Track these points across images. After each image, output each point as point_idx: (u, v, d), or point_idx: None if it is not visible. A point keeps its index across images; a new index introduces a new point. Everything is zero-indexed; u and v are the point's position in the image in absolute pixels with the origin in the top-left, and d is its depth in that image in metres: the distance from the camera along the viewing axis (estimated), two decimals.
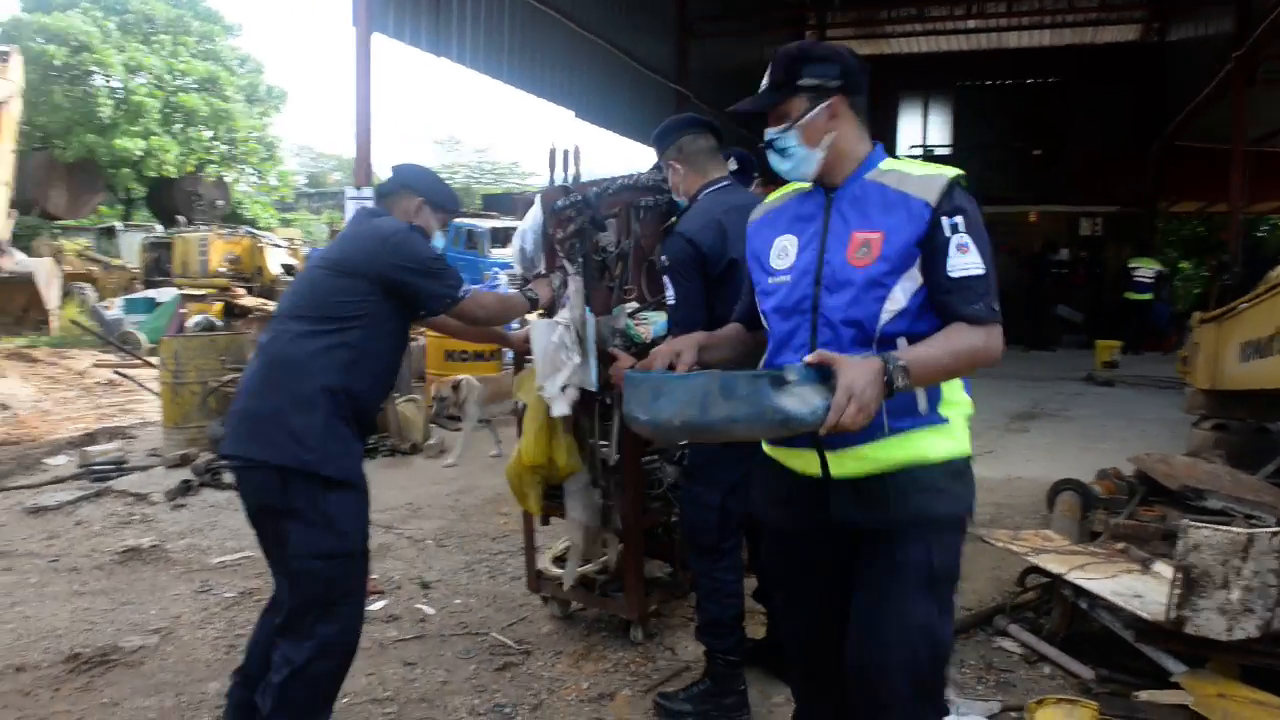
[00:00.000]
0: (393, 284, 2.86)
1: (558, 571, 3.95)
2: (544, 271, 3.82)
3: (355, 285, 2.84)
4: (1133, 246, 17.54)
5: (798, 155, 2.06)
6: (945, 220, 1.94)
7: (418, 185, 3.16)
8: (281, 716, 2.70)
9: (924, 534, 2.02)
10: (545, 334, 3.41)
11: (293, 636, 2.73)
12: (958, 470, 2.06)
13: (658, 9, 13.26)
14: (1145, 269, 16.23)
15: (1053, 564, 3.69)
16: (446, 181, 3.29)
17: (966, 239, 1.94)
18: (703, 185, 3.27)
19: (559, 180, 3.87)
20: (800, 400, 1.70)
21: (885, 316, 1.96)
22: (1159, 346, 16.22)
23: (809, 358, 1.77)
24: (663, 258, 3.20)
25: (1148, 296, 16.06)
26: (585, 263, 3.59)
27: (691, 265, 3.08)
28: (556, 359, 3.38)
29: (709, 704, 3.21)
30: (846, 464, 2.00)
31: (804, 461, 2.06)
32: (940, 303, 1.96)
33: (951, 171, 2.00)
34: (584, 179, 3.84)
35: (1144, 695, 3.16)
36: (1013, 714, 3.21)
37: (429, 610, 4.21)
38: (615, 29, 11.79)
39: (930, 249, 1.95)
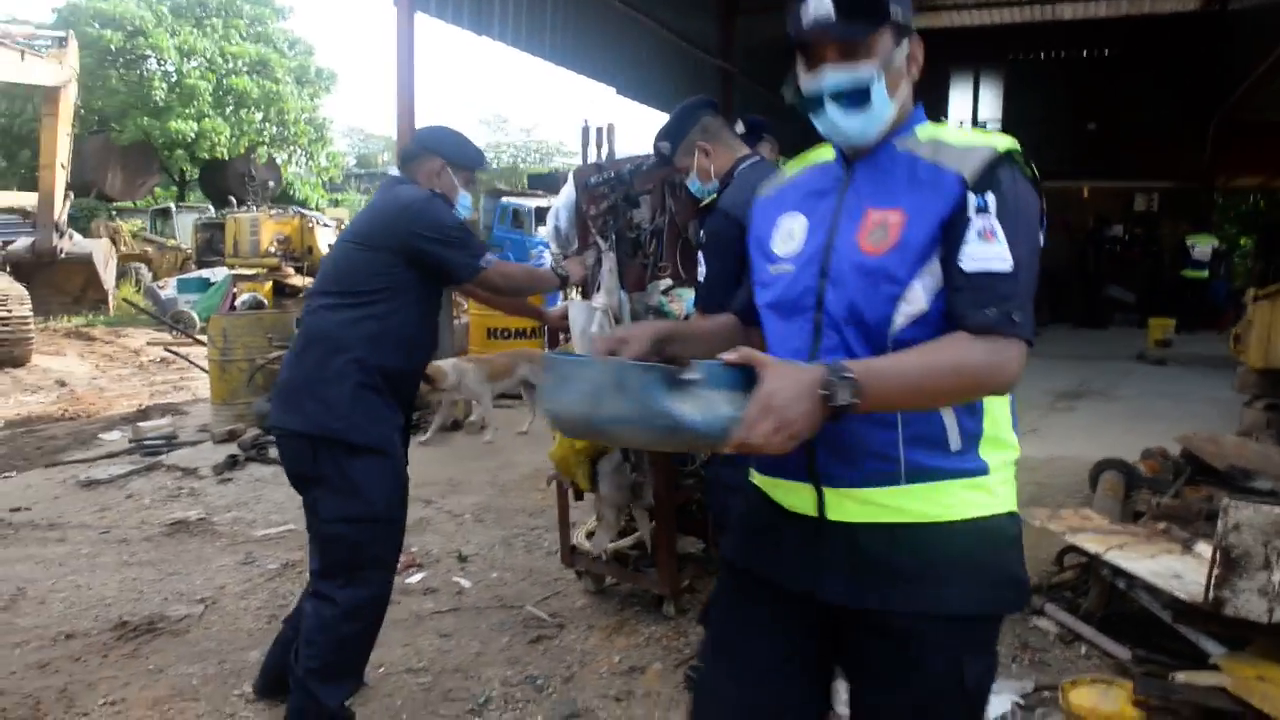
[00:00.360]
0: (415, 253, 2.89)
1: (591, 547, 3.99)
2: (578, 249, 3.83)
3: (379, 258, 2.89)
4: (1189, 223, 17.13)
5: (877, 106, 1.58)
6: (973, 197, 1.48)
7: (438, 146, 3.15)
8: (313, 678, 2.79)
9: (950, 633, 1.54)
10: (584, 317, 3.40)
11: (321, 599, 2.83)
12: (999, 539, 1.57)
13: None
14: (1203, 246, 15.87)
15: (1090, 543, 3.64)
16: (468, 138, 3.24)
17: (994, 224, 1.47)
18: (735, 162, 3.11)
19: (592, 157, 3.88)
20: (701, 406, 1.35)
21: (900, 320, 1.51)
22: (1215, 325, 15.84)
23: (728, 355, 1.39)
24: (700, 233, 3.14)
25: (1204, 274, 15.72)
26: (619, 239, 3.60)
27: (728, 244, 2.95)
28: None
29: None
30: (846, 506, 1.56)
31: (795, 496, 1.62)
32: (949, 303, 1.49)
33: (1002, 141, 1.55)
34: (620, 156, 3.84)
35: (1181, 676, 3.11)
36: (1046, 693, 3.19)
37: (465, 583, 4.27)
38: (659, 4, 11.70)
39: (950, 233, 1.50)
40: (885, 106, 1.59)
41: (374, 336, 2.85)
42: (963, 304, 1.46)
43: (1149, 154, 17.42)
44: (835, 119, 1.59)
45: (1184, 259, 15.80)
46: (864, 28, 1.56)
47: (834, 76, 1.57)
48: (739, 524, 1.80)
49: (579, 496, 4.05)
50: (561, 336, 4.00)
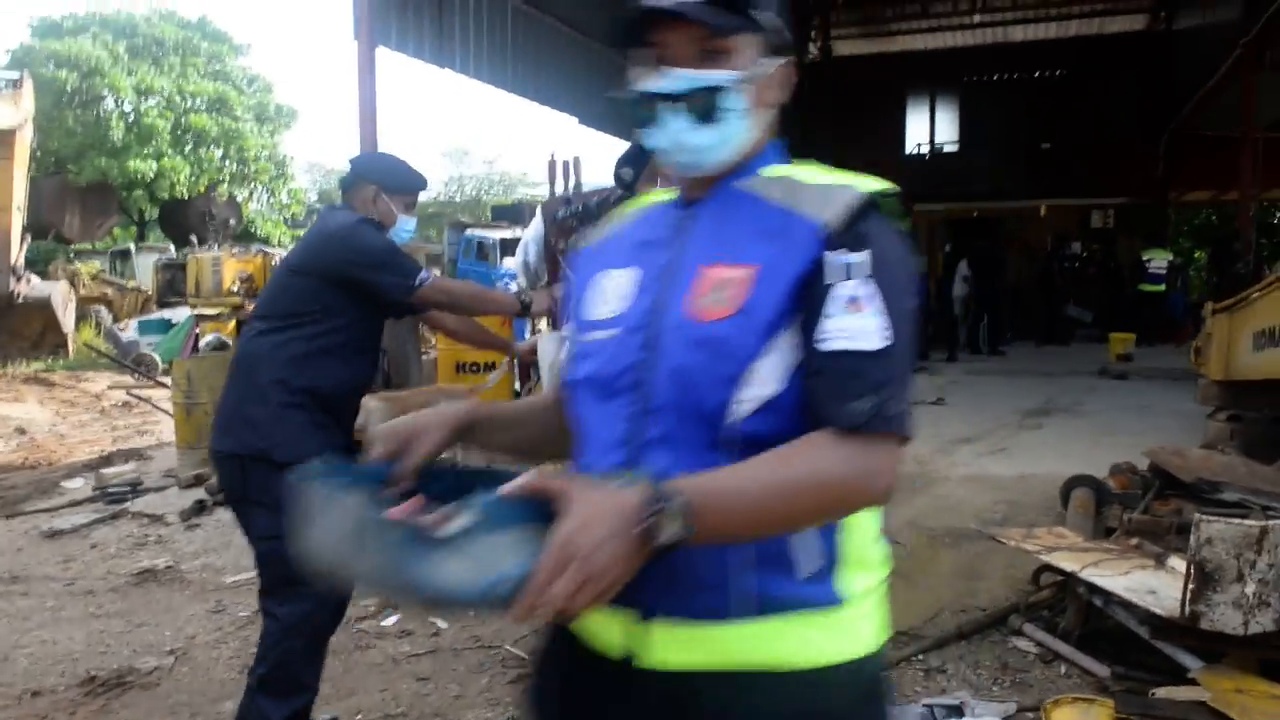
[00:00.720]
0: (344, 279, 2.93)
1: None
2: (548, 283, 3.83)
3: (307, 283, 2.97)
4: (1144, 238, 17.47)
5: (733, 124, 1.24)
6: (834, 257, 1.15)
7: (370, 173, 3.18)
8: (262, 696, 2.82)
9: None
10: (554, 349, 3.38)
11: (267, 615, 2.90)
12: (853, 692, 1.22)
13: None
14: (1159, 260, 16.20)
15: (1066, 562, 3.67)
16: (406, 163, 3.25)
17: (863, 290, 1.14)
18: None
19: (559, 190, 3.89)
20: (472, 564, 0.98)
21: (743, 407, 1.16)
22: (1174, 338, 16.11)
23: (507, 487, 1.05)
24: None
25: (1161, 288, 16.03)
26: None
27: None
28: None
29: None
30: (670, 647, 1.18)
31: (601, 628, 1.23)
32: (807, 390, 1.16)
33: (869, 183, 1.22)
34: (587, 188, 3.85)
35: (1161, 692, 3.13)
36: (1029, 714, 3.19)
37: (441, 624, 4.21)
38: None
39: (807, 299, 1.16)
40: (742, 127, 1.25)
41: (298, 358, 2.92)
42: (823, 393, 1.14)
43: (1104, 171, 17.79)
44: (677, 132, 1.24)
45: (1141, 274, 16.09)
46: (732, 22, 1.22)
47: (684, 76, 1.22)
48: (531, 668, 1.44)
49: None
50: (531, 371, 3.99)
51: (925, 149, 19.52)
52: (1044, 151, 18.28)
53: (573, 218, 3.68)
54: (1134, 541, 3.99)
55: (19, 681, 3.78)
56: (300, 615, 2.84)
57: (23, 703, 3.59)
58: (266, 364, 2.92)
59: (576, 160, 3.89)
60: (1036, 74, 19.13)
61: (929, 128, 19.82)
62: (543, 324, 3.91)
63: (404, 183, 3.19)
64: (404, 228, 3.18)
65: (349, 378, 3.06)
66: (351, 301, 2.95)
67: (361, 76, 7.34)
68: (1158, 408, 9.03)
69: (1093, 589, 3.52)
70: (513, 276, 10.35)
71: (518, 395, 6.58)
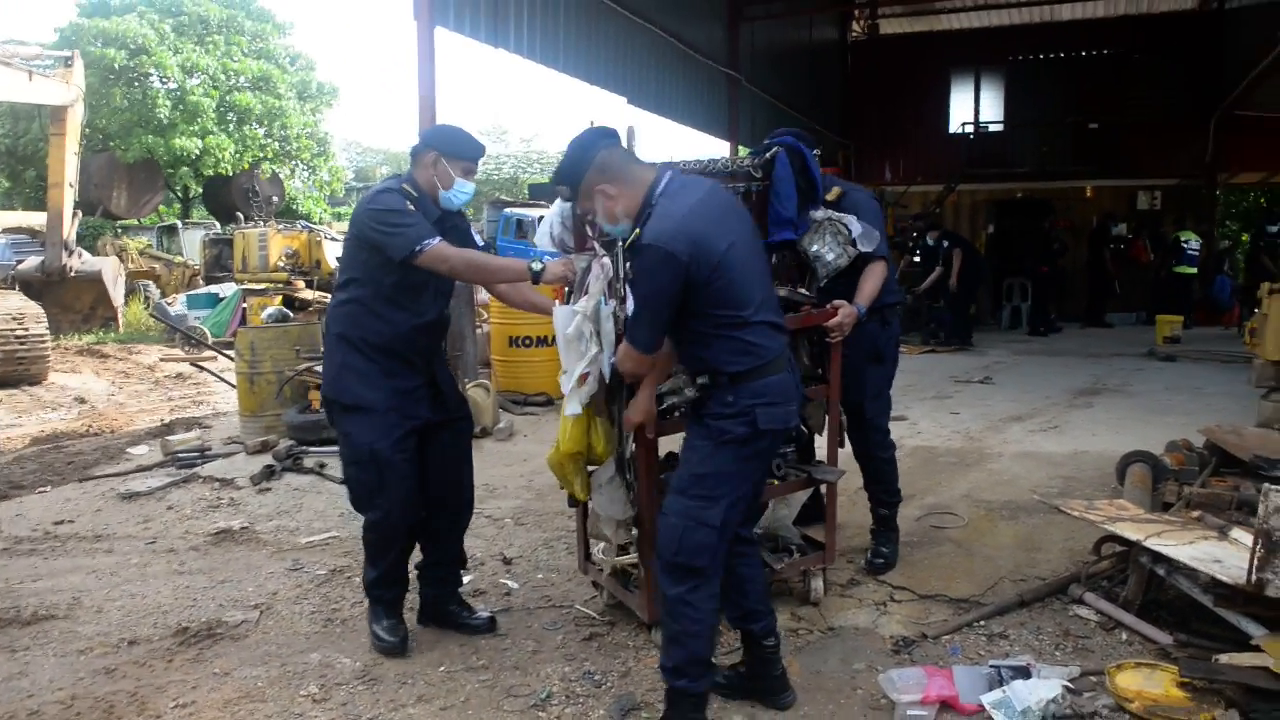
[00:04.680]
0: (369, 241, 3.40)
1: (598, 560, 4.00)
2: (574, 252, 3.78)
3: (350, 249, 3.53)
4: (1192, 219, 17.25)
5: None
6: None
7: (432, 140, 3.59)
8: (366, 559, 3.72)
9: None
10: (564, 322, 3.27)
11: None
12: None
13: None
14: (1195, 241, 16.03)
15: (1129, 531, 3.73)
16: (466, 132, 3.61)
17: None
18: (649, 192, 2.84)
19: None
20: None
21: None
22: (1218, 320, 15.96)
23: None
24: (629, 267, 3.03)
25: (1194, 270, 15.89)
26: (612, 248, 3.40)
27: (668, 279, 2.72)
28: (577, 348, 3.28)
29: None
30: None
31: None
32: None
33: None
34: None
35: (1224, 658, 3.19)
36: (1092, 678, 3.26)
37: (513, 584, 4.35)
38: (666, 14, 11.82)
39: None
40: None
41: (355, 315, 3.49)
42: None
43: (1151, 152, 17.54)
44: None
45: (1177, 255, 15.91)
46: None
47: None
48: None
49: (573, 504, 3.89)
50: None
51: (970, 129, 19.33)
52: (1091, 132, 18.02)
53: None
54: (1195, 514, 4.04)
55: (114, 632, 3.95)
56: (376, 518, 3.58)
57: (120, 650, 3.77)
58: (332, 323, 3.56)
59: (631, 130, 3.85)
60: (1084, 53, 18.84)
61: (974, 107, 19.62)
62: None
63: (460, 148, 3.54)
64: (460, 190, 3.56)
65: (408, 323, 3.50)
66: (382, 260, 3.38)
67: (421, 56, 7.42)
68: (1208, 389, 9.00)
69: (1156, 558, 3.58)
70: (554, 255, 10.37)
71: None
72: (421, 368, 3.62)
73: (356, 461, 3.54)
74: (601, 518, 3.62)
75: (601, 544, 3.95)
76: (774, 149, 3.88)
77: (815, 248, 3.97)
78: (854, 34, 19.77)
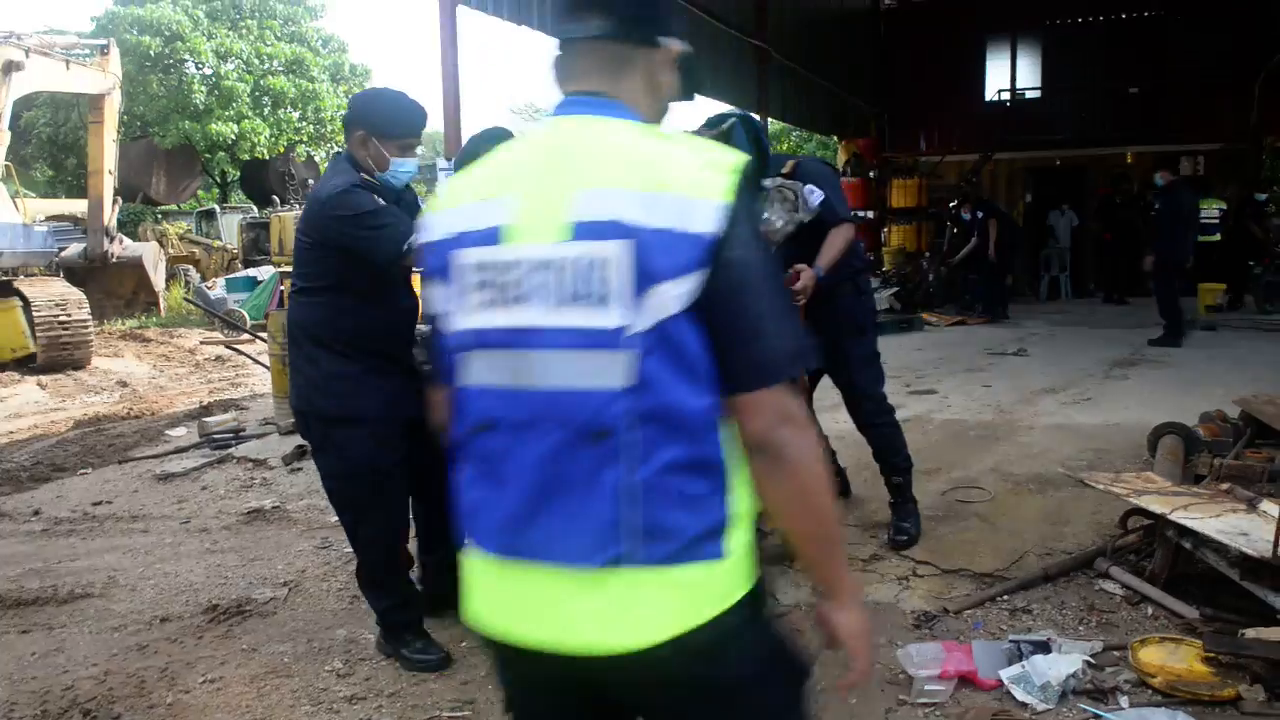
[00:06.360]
0: (339, 246, 3.08)
1: None
2: None
3: (314, 251, 3.17)
4: (1240, 185, 16.79)
5: None
6: None
7: (359, 115, 3.13)
8: (363, 588, 3.54)
9: None
10: None
11: (351, 542, 3.49)
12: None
13: None
14: (1214, 210, 15.61)
15: (1156, 504, 3.68)
16: (402, 101, 3.15)
17: None
18: None
19: None
20: None
21: None
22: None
23: None
24: None
25: (1216, 237, 15.46)
26: None
27: None
28: None
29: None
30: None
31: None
32: None
33: None
34: None
35: (1250, 632, 3.15)
36: (1115, 653, 3.23)
37: None
38: None
39: None
40: None
41: (332, 319, 3.18)
42: None
43: (1194, 116, 17.10)
44: None
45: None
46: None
47: None
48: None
49: None
50: None
51: (1006, 96, 18.99)
52: (1131, 96, 17.62)
53: None
54: (1225, 486, 3.97)
55: (148, 609, 4.05)
56: (371, 535, 3.37)
57: (153, 627, 3.86)
58: (307, 328, 3.23)
59: None
60: (1123, 15, 18.39)
61: (1010, 74, 19.25)
62: None
63: (388, 127, 3.10)
64: (399, 169, 3.17)
65: (389, 319, 3.24)
66: (357, 261, 3.07)
67: (443, 35, 7.43)
68: (1249, 360, 8.80)
69: (1183, 531, 3.53)
70: None
71: None
72: (404, 359, 3.32)
73: (349, 475, 3.26)
74: None
75: None
76: (730, 120, 3.88)
77: (765, 214, 3.99)
78: (886, 2, 19.48)
